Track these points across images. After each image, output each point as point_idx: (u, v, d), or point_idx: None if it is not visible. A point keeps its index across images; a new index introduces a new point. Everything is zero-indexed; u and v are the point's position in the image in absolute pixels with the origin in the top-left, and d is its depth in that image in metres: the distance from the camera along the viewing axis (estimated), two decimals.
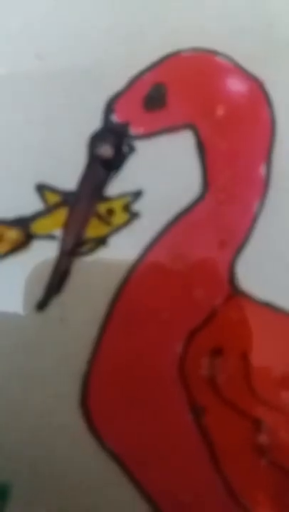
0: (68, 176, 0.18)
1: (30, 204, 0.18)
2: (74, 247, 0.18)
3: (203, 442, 0.17)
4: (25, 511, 0.17)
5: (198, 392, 0.17)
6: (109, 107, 0.19)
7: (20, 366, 0.17)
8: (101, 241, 0.18)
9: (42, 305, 0.18)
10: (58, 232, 0.18)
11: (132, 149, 0.19)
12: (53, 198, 0.19)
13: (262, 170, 0.19)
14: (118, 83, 0.19)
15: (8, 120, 0.19)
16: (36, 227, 0.19)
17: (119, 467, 0.17)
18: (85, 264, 0.18)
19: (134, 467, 0.17)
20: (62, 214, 0.19)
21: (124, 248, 0.18)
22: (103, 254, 0.18)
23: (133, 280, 0.18)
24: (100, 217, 0.19)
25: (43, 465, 0.17)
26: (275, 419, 0.17)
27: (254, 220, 0.18)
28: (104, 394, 0.17)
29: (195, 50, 0.19)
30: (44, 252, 0.18)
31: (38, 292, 0.18)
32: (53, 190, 0.19)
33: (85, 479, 0.17)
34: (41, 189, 0.19)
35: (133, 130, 0.19)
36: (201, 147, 0.19)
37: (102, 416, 0.17)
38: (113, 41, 0.19)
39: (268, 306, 0.18)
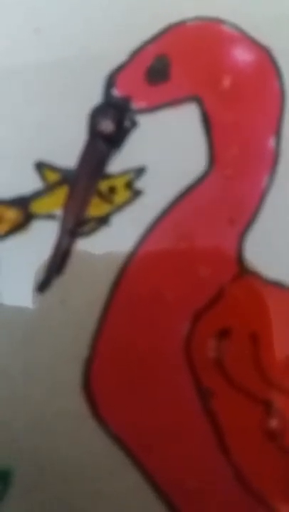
0: (68, 154, 0.18)
1: (30, 183, 0.18)
2: (75, 227, 0.18)
3: (210, 427, 0.16)
4: (27, 497, 0.17)
5: (205, 375, 0.17)
6: (110, 81, 0.18)
7: (20, 350, 0.17)
8: (103, 220, 0.18)
9: (42, 287, 0.17)
10: (58, 211, 0.18)
11: (134, 124, 0.18)
12: (53, 177, 0.18)
13: (271, 143, 0.18)
14: (119, 56, 0.18)
15: (6, 97, 0.19)
16: (36, 206, 0.18)
17: (124, 452, 0.17)
18: (86, 245, 0.18)
19: (139, 452, 0.16)
20: (62, 193, 0.18)
21: (126, 227, 0.18)
22: (105, 233, 0.18)
23: (136, 261, 0.17)
24: (101, 195, 0.18)
25: (46, 450, 0.17)
26: (287, 402, 0.17)
27: (263, 195, 0.18)
28: (107, 378, 0.17)
29: (199, 19, 0.18)
30: (44, 233, 0.18)
31: (39, 274, 0.18)
32: (53, 168, 0.18)
33: (88, 465, 0.17)
34: (40, 167, 0.18)
35: (135, 104, 0.18)
36: (207, 120, 0.18)
37: (105, 400, 0.17)
38: (113, 13, 0.19)
39: (277, 285, 0.17)
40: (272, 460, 0.17)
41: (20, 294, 0.17)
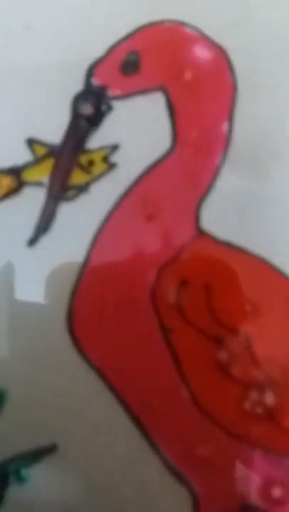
0: (54, 131, 0.21)
1: (21, 156, 0.21)
2: (59, 193, 0.21)
3: (170, 357, 0.20)
4: (20, 415, 0.20)
5: (167, 316, 0.20)
6: (90, 72, 0.21)
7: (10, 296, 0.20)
8: (83, 188, 0.21)
9: (32, 242, 0.21)
10: (45, 179, 0.21)
11: (109, 108, 0.21)
12: (41, 151, 0.21)
13: (224, 127, 0.21)
14: (98, 51, 0.22)
15: (2, 83, 0.22)
16: (26, 175, 0.21)
17: (101, 378, 0.20)
18: (68, 208, 0.21)
19: (112, 378, 0.20)
20: (49, 164, 0.21)
21: (103, 195, 0.21)
22: (85, 200, 0.21)
23: (111, 223, 0.21)
24: (82, 167, 0.21)
25: (37, 375, 0.20)
26: (233, 338, 0.20)
27: (217, 170, 0.21)
28: (86, 317, 0.20)
29: (166, 21, 0.22)
30: (34, 197, 0.21)
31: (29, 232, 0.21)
32: (41, 143, 0.21)
33: (70, 390, 0.20)
34: (31, 143, 0.21)
35: (111, 92, 0.21)
36: (171, 107, 0.21)
37: (85, 336, 0.20)
38: (95, 15, 0.22)
39: (226, 244, 0.21)
40: (221, 386, 0.20)
41: (13, 248, 0.21)
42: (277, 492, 0.20)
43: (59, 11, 0.22)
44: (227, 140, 0.21)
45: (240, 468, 0.20)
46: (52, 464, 0.20)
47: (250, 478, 0.20)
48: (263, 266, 0.21)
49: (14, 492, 0.20)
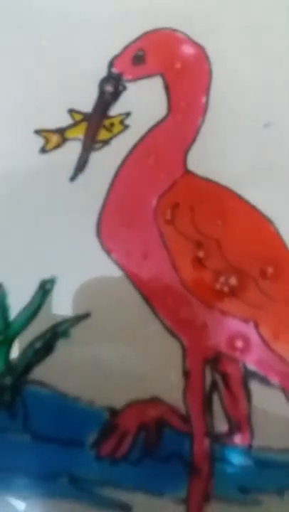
0: (87, 104, 0.31)
1: (65, 120, 0.31)
2: (90, 146, 0.31)
3: (167, 254, 0.30)
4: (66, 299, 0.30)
5: (163, 227, 0.30)
6: (111, 63, 0.31)
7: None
8: (106, 142, 0.31)
9: (72, 178, 0.31)
10: (81, 136, 0.31)
11: (124, 88, 0.31)
12: (78, 117, 0.31)
13: (203, 99, 0.31)
14: (116, 49, 0.31)
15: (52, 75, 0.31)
16: (68, 133, 0.31)
17: (119, 269, 0.30)
18: (97, 155, 0.31)
19: (127, 268, 0.29)
20: (83, 126, 0.31)
21: (120, 146, 0.31)
22: (107, 150, 0.31)
23: (126, 164, 0.30)
24: (105, 127, 0.31)
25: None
26: (208, 242, 0.30)
27: (198, 129, 0.31)
28: (110, 223, 0.30)
29: (163, 28, 0.32)
30: (73, 149, 0.31)
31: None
32: (78, 112, 0.31)
33: (99, 278, 0.30)
34: (71, 112, 0.31)
35: (125, 77, 0.31)
36: (166, 87, 0.31)
37: (109, 241, 0.30)
38: (114, 24, 0.32)
39: (206, 179, 0.30)
40: (200, 274, 0.30)
41: (59, 183, 0.31)
42: (239, 343, 0.29)
43: (89, 23, 0.32)
44: (205, 107, 0.31)
45: (212, 327, 0.29)
46: (87, 327, 0.30)
47: (220, 334, 0.29)
48: (229, 193, 0.30)
49: (61, 346, 0.30)
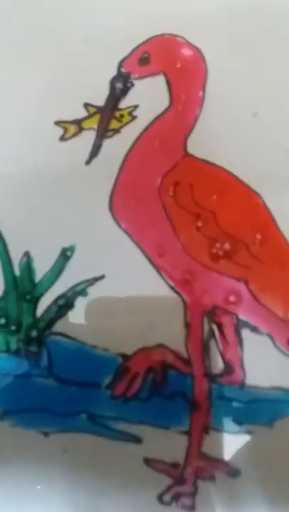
0: (101, 98, 0.36)
1: (82, 113, 0.36)
2: (103, 134, 0.36)
3: (170, 225, 0.35)
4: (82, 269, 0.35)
5: (167, 202, 0.35)
6: (121, 64, 0.36)
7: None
8: (117, 130, 0.36)
9: (87, 162, 0.36)
10: (95, 126, 0.36)
11: (132, 85, 0.36)
12: (92, 110, 0.36)
13: (200, 93, 0.36)
14: (125, 52, 0.37)
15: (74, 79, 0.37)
16: (84, 124, 0.36)
17: (129, 239, 0.35)
18: (109, 142, 0.36)
19: (137, 238, 0.34)
20: (97, 117, 0.36)
21: (129, 134, 0.36)
22: (118, 137, 0.36)
23: (134, 149, 0.36)
24: (116, 118, 0.36)
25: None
26: (205, 213, 0.35)
27: (196, 118, 0.36)
28: (119, 198, 0.35)
29: (165, 34, 0.37)
30: (89, 137, 0.36)
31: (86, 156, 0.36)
32: (92, 105, 0.36)
33: (109, 250, 0.35)
34: (86, 106, 0.36)
35: (132, 75, 0.36)
36: (168, 83, 0.36)
37: (120, 214, 0.35)
38: (123, 31, 0.37)
39: (202, 161, 0.35)
40: (198, 240, 0.34)
41: (76, 165, 0.36)
42: (232, 298, 0.34)
43: (102, 30, 0.37)
44: (202, 100, 0.36)
45: (209, 285, 0.34)
46: (101, 287, 0.35)
47: (216, 290, 0.34)
48: (223, 172, 0.35)
49: (80, 303, 0.35)
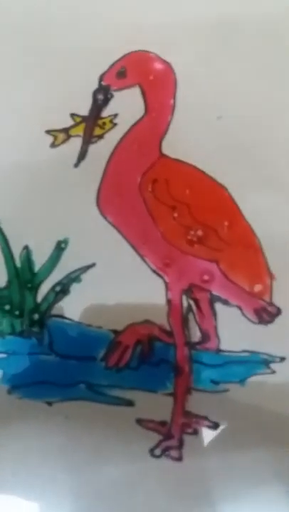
0: (85, 109, 0.41)
1: (68, 122, 0.41)
2: (89, 140, 0.41)
3: (149, 216, 0.40)
4: (78, 259, 0.40)
5: (146, 197, 0.40)
6: (101, 78, 0.41)
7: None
8: (100, 136, 0.41)
9: (76, 165, 0.41)
10: (81, 133, 0.41)
11: (112, 96, 0.41)
12: (78, 119, 0.41)
13: (172, 101, 0.41)
14: (104, 67, 0.42)
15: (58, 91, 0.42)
16: (72, 131, 0.41)
17: (115, 229, 0.40)
18: (93, 147, 0.41)
19: (120, 226, 0.40)
20: (82, 126, 0.41)
21: (112, 139, 0.41)
22: (101, 143, 0.41)
23: (116, 152, 0.40)
24: (99, 126, 0.41)
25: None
26: (180, 206, 0.40)
27: (169, 123, 0.41)
28: (106, 193, 0.40)
29: (139, 50, 0.42)
30: (76, 143, 0.41)
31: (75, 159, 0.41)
32: (78, 115, 0.41)
33: (97, 244, 0.40)
34: (73, 115, 0.41)
35: (112, 88, 0.41)
36: (143, 93, 0.41)
37: (103, 201, 0.40)
38: (101, 49, 0.42)
39: (176, 160, 0.41)
40: (175, 229, 0.40)
41: (65, 167, 0.41)
42: (206, 277, 0.40)
43: (83, 49, 0.42)
44: (173, 108, 0.41)
45: (186, 267, 0.40)
46: (93, 274, 0.40)
47: (192, 271, 0.40)
48: (193, 169, 0.40)
49: (75, 289, 0.40)
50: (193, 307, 0.40)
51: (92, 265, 0.40)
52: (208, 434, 0.39)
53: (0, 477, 0.40)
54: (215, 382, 0.39)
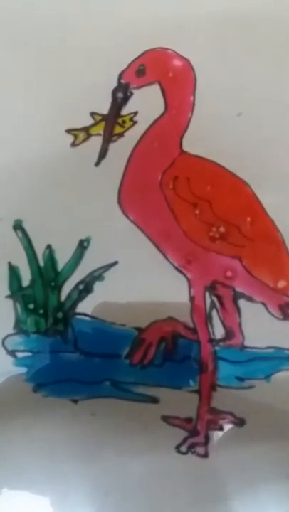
0: (105, 107, 0.41)
1: (89, 121, 0.41)
2: (109, 138, 0.41)
3: (171, 213, 0.40)
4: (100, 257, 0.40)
5: (168, 194, 0.40)
6: (121, 75, 0.41)
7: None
8: (120, 135, 0.41)
9: (96, 164, 0.41)
10: (101, 132, 0.41)
11: (131, 94, 0.41)
12: (98, 117, 0.41)
13: (191, 98, 0.41)
14: (124, 65, 0.42)
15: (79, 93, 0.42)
16: (92, 130, 0.41)
17: (136, 228, 0.40)
18: (114, 146, 0.41)
19: (142, 225, 0.40)
20: (102, 124, 0.41)
21: (132, 137, 0.41)
22: (121, 141, 0.41)
23: (137, 150, 0.41)
24: (119, 124, 0.41)
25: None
26: (202, 203, 0.40)
27: (189, 120, 0.41)
28: (126, 191, 0.40)
29: (157, 48, 0.42)
30: (96, 141, 0.41)
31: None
32: (98, 114, 0.41)
33: (116, 240, 0.40)
34: (93, 114, 0.41)
35: (131, 85, 0.41)
36: (163, 91, 0.41)
37: (128, 206, 0.40)
38: (121, 47, 0.42)
39: (196, 156, 0.41)
40: (197, 226, 0.40)
41: (87, 165, 0.41)
42: (229, 273, 0.39)
43: (103, 48, 0.42)
44: (193, 104, 0.41)
45: (209, 264, 0.40)
46: (116, 272, 0.40)
47: (215, 268, 0.40)
48: (214, 165, 0.40)
49: (98, 287, 0.40)
50: (217, 304, 0.40)
51: (115, 263, 0.40)
52: (233, 431, 0.39)
53: (27, 475, 0.40)
54: (240, 379, 0.39)
